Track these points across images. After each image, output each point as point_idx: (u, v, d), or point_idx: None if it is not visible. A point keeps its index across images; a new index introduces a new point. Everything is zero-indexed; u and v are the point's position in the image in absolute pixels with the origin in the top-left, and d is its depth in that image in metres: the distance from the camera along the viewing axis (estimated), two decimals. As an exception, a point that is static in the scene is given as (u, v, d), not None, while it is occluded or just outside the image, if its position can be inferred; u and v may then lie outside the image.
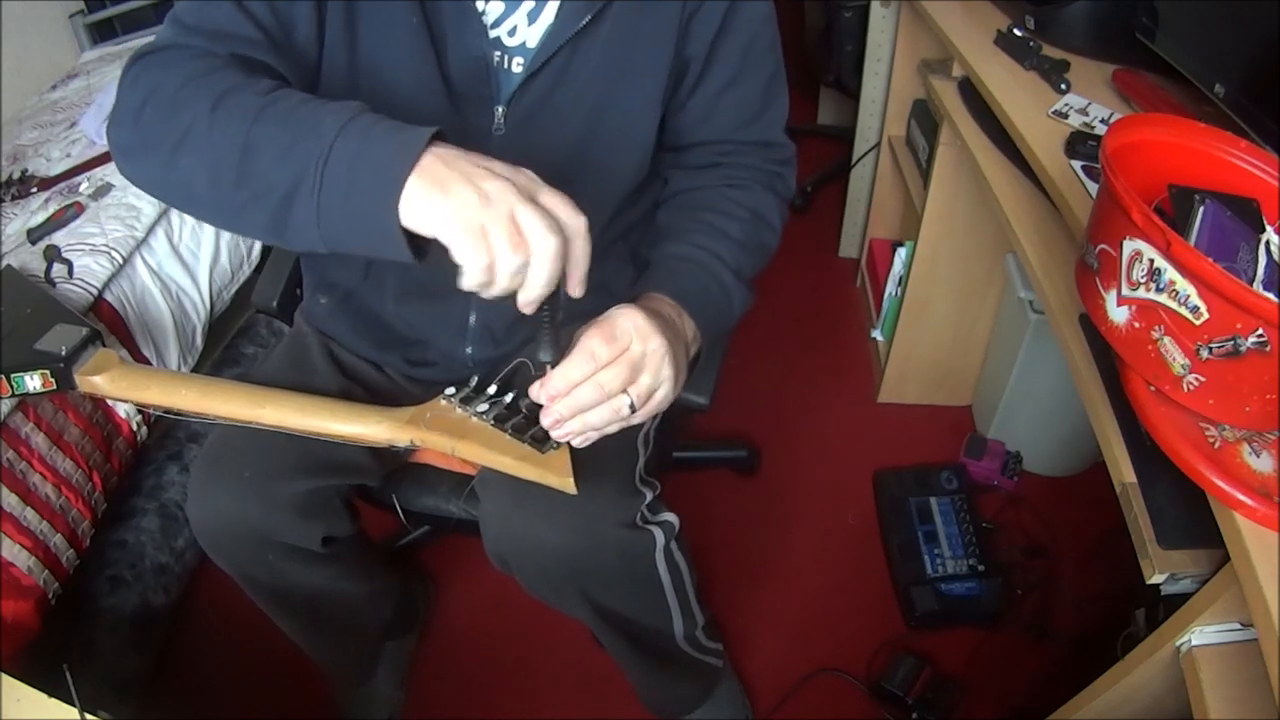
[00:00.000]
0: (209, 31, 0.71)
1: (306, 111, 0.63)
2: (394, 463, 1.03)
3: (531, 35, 0.81)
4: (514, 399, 0.76)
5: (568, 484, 0.72)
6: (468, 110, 0.82)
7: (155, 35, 0.74)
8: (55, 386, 0.86)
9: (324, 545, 0.97)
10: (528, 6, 0.80)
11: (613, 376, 0.66)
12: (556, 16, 0.79)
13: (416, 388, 1.00)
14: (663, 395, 0.69)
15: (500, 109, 0.82)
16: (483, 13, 0.80)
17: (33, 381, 0.87)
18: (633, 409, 0.68)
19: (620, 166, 0.89)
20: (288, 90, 0.66)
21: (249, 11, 0.72)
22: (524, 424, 0.74)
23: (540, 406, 0.69)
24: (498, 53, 0.81)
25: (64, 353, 0.86)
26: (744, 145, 0.91)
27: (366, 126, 0.61)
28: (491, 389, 0.77)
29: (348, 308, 1.01)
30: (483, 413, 0.76)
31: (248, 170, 0.62)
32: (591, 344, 0.65)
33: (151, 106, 0.66)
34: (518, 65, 0.81)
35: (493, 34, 0.81)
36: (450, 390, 0.78)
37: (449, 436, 0.75)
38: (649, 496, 0.94)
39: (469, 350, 0.98)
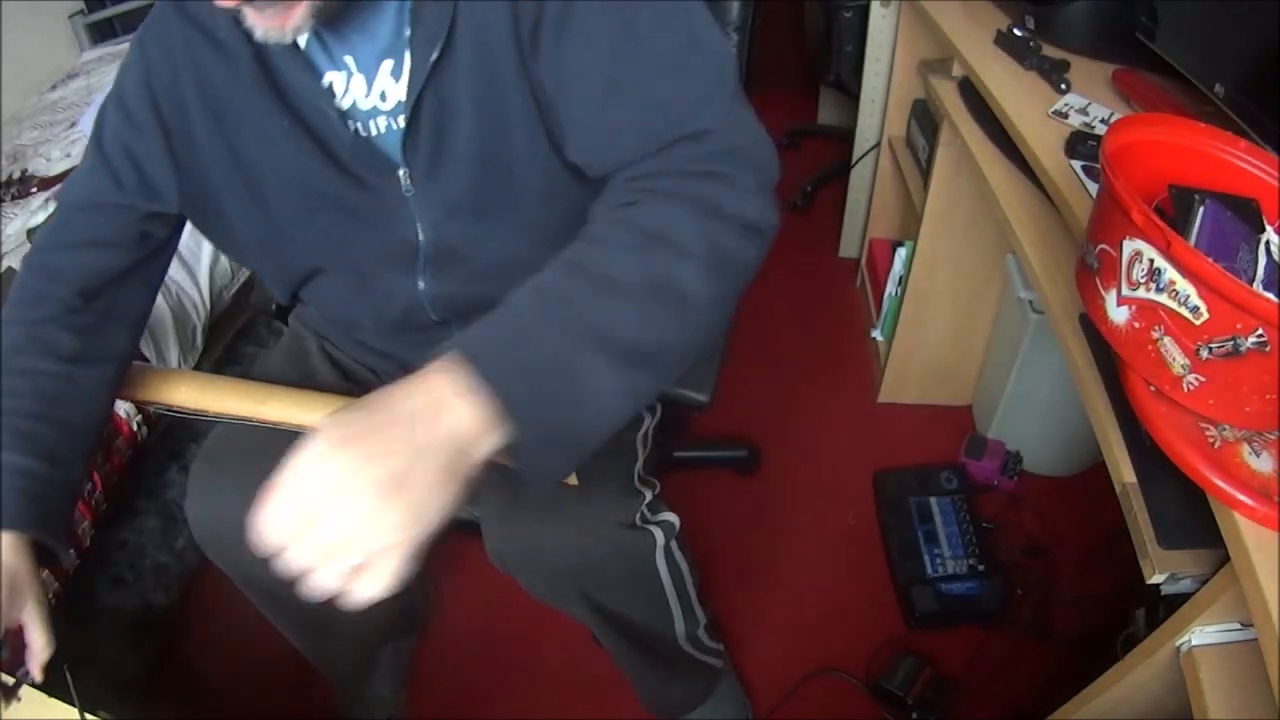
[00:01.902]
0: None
1: None
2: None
3: (401, 90, 0.77)
4: None
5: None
6: (373, 183, 0.80)
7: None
8: (55, 386, 0.86)
9: (324, 546, 0.97)
10: (388, 65, 0.77)
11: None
12: (410, 66, 0.75)
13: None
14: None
15: (402, 171, 0.80)
16: (344, 93, 0.78)
17: (33, 381, 0.86)
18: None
19: (538, 190, 0.81)
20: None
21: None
22: None
23: None
24: (381, 118, 0.79)
25: (64, 352, 0.85)
26: (665, 150, 0.69)
27: None
28: None
29: (336, 326, 1.01)
30: None
31: None
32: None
33: None
34: (401, 123, 0.78)
35: (366, 104, 0.78)
36: None
37: None
38: (648, 496, 0.94)
39: None
